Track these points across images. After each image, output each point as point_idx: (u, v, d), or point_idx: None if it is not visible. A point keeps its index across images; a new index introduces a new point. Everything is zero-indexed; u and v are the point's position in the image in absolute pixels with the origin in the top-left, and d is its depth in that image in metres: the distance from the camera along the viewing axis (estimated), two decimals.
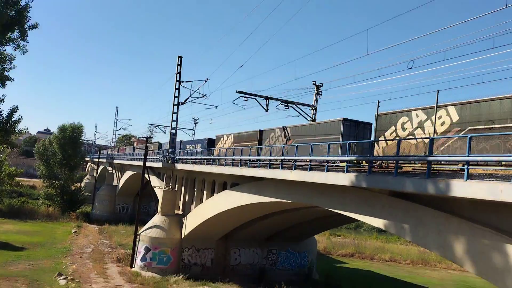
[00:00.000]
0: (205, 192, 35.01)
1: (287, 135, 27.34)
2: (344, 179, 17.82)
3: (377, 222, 17.15)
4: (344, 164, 18.18)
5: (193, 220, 33.62)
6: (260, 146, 29.04)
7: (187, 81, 40.47)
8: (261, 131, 30.80)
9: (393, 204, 16.32)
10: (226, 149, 32.75)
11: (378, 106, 18.55)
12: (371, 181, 16.53)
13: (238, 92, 32.40)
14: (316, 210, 27.55)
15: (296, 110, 33.95)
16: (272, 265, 36.14)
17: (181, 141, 50.04)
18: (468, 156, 12.97)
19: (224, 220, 31.42)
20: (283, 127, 28.03)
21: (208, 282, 31.78)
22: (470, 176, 12.72)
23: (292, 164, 21.74)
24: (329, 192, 19.76)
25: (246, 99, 32.93)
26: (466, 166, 12.83)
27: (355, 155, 19.33)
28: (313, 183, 20.15)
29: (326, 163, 19.24)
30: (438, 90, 16.41)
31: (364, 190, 17.64)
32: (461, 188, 12.66)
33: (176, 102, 40.14)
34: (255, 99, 33.00)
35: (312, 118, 33.91)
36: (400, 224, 15.94)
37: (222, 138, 38.00)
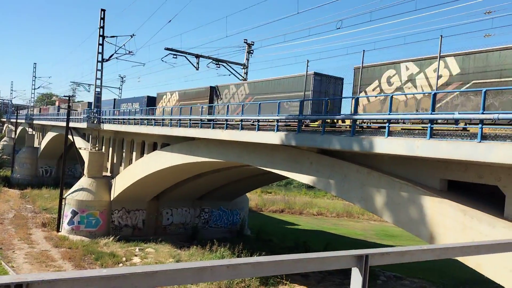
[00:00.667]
0: (134, 153, 34.01)
1: (245, 91, 24.98)
2: (274, 137, 18.06)
3: (306, 179, 17.74)
4: (317, 123, 17.58)
5: (122, 182, 32.73)
6: (212, 105, 26.49)
7: (111, 36, 38.09)
8: (212, 88, 27.95)
9: (321, 161, 16.90)
10: (172, 108, 30.07)
11: (307, 66, 18.70)
12: (300, 139, 16.91)
13: (167, 49, 31.14)
14: (247, 169, 27.94)
15: (228, 69, 33.47)
16: (205, 224, 36.57)
17: (115, 99, 46.71)
18: (389, 114, 13.62)
19: (155, 181, 30.92)
20: (240, 82, 26.22)
21: (140, 243, 31.56)
22: (390, 133, 13.42)
23: (255, 125, 19.69)
24: (260, 151, 19.99)
25: (175, 56, 31.80)
26: (387, 124, 13.48)
27: (285, 115, 19.57)
28: (244, 142, 20.25)
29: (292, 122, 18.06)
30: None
31: (294, 148, 18.05)
32: (382, 145, 13.34)
33: (100, 59, 37.78)
34: (185, 56, 31.97)
35: (243, 77, 33.67)
36: (327, 180, 16.62)
37: (164, 96, 33.99)
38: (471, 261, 11.39)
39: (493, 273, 10.74)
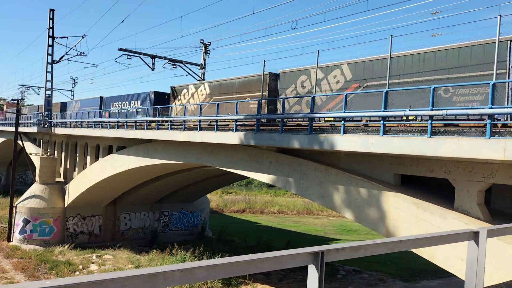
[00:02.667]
0: (88, 157, 32.91)
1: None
2: (233, 138, 18.01)
3: (265, 178, 17.81)
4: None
5: (76, 187, 31.59)
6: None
7: (61, 37, 36.67)
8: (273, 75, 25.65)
9: (280, 160, 17.03)
10: (200, 105, 24.80)
11: (264, 66, 18.79)
12: (259, 139, 16.96)
13: (121, 49, 30.30)
14: (207, 170, 27.71)
15: (184, 69, 33.05)
16: (165, 227, 35.95)
17: (101, 97, 35.67)
18: (344, 112, 13.91)
19: (111, 185, 30.06)
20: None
21: (97, 250, 30.60)
22: (346, 131, 13.71)
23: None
24: (219, 151, 19.88)
25: (130, 57, 31.00)
26: (342, 122, 13.77)
27: (243, 114, 19.57)
28: (203, 143, 20.07)
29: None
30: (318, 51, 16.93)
31: (253, 148, 18.08)
32: (338, 142, 13.62)
33: (50, 61, 36.25)
34: (140, 57, 31.25)
35: (200, 77, 33.36)
36: (286, 178, 16.76)
37: (185, 90, 27.08)
38: (425, 252, 11.83)
39: (446, 263, 11.21)
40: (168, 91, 28.21)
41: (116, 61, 31.95)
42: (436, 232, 2.82)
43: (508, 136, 10.17)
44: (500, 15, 11.51)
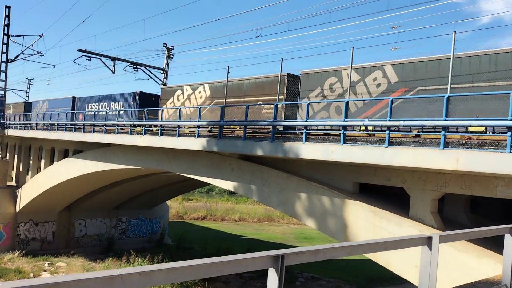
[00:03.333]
0: (43, 161, 31.65)
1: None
2: (195, 143, 17.86)
3: (227, 185, 17.75)
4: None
5: (29, 192, 30.25)
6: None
7: (17, 35, 35.25)
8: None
9: (242, 167, 17.03)
10: (200, 108, 22.19)
11: (228, 72, 18.80)
12: (222, 145, 16.91)
13: (80, 50, 29.48)
14: (167, 176, 27.30)
15: (146, 73, 32.55)
16: (122, 234, 35.02)
17: (74, 97, 32.51)
18: (306, 121, 14.13)
19: (66, 190, 29.00)
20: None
21: (49, 257, 29.37)
22: (308, 139, 13.92)
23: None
24: (181, 157, 19.65)
25: (89, 58, 30.21)
26: (304, 130, 13.97)
27: (206, 120, 19.46)
28: (164, 148, 19.78)
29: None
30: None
31: (215, 154, 17.99)
32: (300, 150, 13.79)
33: (4, 59, 34.72)
34: (100, 59, 30.52)
35: (163, 82, 32.94)
36: (248, 185, 16.77)
37: (179, 92, 24.75)
38: (381, 260, 12.14)
39: (401, 269, 11.55)
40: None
41: (75, 62, 31.09)
42: (392, 237, 2.91)
43: (461, 147, 10.65)
44: (455, 32, 12.09)
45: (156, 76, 33.01)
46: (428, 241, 3.12)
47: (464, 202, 12.93)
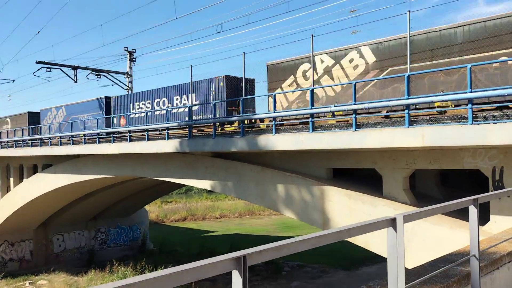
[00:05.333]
0: (12, 179, 30.67)
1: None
2: (167, 146, 17.66)
3: (203, 184, 17.65)
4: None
5: (1, 213, 29.33)
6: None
7: None
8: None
9: (215, 165, 16.95)
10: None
11: (191, 71, 18.62)
12: (193, 145, 16.78)
13: (39, 62, 28.60)
14: (142, 181, 26.95)
15: (110, 79, 31.88)
16: (102, 245, 34.41)
17: (107, 97, 25.64)
18: (274, 112, 14.14)
19: (39, 206, 28.24)
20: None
21: (30, 276, 28.61)
22: (277, 131, 13.95)
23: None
24: (153, 161, 19.40)
25: (49, 69, 29.34)
26: (273, 122, 14.00)
27: (176, 121, 19.25)
28: (135, 154, 19.48)
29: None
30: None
31: (188, 155, 17.84)
32: (271, 142, 13.82)
33: None
34: (60, 69, 29.69)
35: (128, 86, 32.36)
36: (224, 182, 16.73)
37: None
38: (360, 241, 12.35)
39: (379, 249, 11.78)
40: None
41: (35, 75, 30.14)
42: (356, 223, 2.94)
43: (425, 124, 10.90)
44: (409, 11, 12.30)
45: (120, 81, 32.38)
46: (392, 222, 3.17)
47: (434, 176, 13.29)
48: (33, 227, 31.12)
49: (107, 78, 31.53)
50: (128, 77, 32.42)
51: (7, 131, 30.79)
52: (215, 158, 17.04)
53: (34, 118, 31.81)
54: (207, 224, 48.75)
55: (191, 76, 18.87)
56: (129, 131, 19.63)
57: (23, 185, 28.16)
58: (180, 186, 35.70)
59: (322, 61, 15.20)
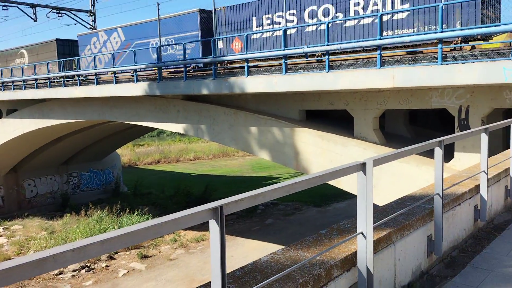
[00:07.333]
0: None
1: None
2: (136, 89, 17.24)
3: (176, 127, 17.54)
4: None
5: None
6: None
7: None
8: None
9: (188, 108, 16.78)
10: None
11: (158, 9, 17.78)
12: (163, 87, 16.44)
13: None
14: (112, 125, 26.51)
15: (73, 18, 30.16)
16: (76, 189, 34.33)
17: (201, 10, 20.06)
18: (246, 54, 13.88)
19: (7, 152, 27.60)
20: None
21: (3, 222, 28.51)
22: (250, 73, 13.78)
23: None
24: (122, 104, 18.99)
25: (6, 8, 27.43)
26: (246, 64, 13.78)
27: (144, 63, 18.67)
28: (103, 97, 18.98)
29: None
30: None
31: (158, 98, 17.52)
32: (244, 85, 13.69)
33: None
34: (18, 7, 27.79)
35: (92, 25, 30.77)
36: (197, 126, 16.67)
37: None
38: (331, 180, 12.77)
39: (349, 186, 12.24)
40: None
41: None
42: (328, 169, 3.02)
43: (396, 64, 10.97)
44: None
45: (83, 20, 30.72)
46: (362, 167, 3.27)
47: (403, 116, 13.62)
48: (2, 173, 30.57)
49: (69, 16, 29.82)
50: (91, 15, 30.74)
51: (22, 67, 24.87)
52: (187, 101, 16.83)
53: (66, 48, 25.42)
54: (181, 166, 49.07)
55: (158, 15, 18.07)
56: (96, 74, 18.98)
57: None
58: (152, 129, 35.40)
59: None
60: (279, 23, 14.91)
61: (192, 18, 18.06)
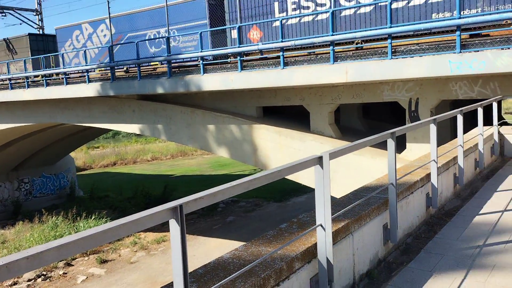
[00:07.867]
0: None
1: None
2: (89, 90, 16.71)
3: (131, 128, 17.17)
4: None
5: None
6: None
7: None
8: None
9: (143, 108, 16.45)
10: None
11: (108, 7, 17.31)
12: (117, 88, 16.04)
13: None
14: (64, 127, 25.57)
15: (18, 17, 28.74)
16: (28, 195, 32.85)
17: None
18: (201, 51, 13.78)
19: None
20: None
21: None
22: (206, 71, 13.70)
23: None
24: (74, 106, 18.35)
25: None
26: (201, 62, 13.68)
27: (95, 64, 18.12)
28: (54, 99, 18.25)
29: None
30: None
31: (113, 98, 17.07)
32: (200, 83, 13.60)
33: None
34: None
35: (39, 25, 29.46)
36: (153, 126, 16.39)
37: None
38: (290, 175, 12.95)
39: (308, 180, 12.47)
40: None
41: None
42: (286, 164, 3.07)
43: (349, 60, 11.26)
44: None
45: (29, 19, 29.33)
46: (319, 160, 3.35)
47: (357, 110, 14.01)
48: None
49: (14, 16, 28.40)
50: (38, 14, 29.41)
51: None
52: (142, 101, 16.50)
53: (40, 44, 23.07)
54: (138, 168, 48.06)
55: (109, 13, 17.58)
56: (44, 75, 18.22)
57: None
58: (107, 131, 34.46)
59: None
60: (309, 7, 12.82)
61: (199, 5, 16.33)
